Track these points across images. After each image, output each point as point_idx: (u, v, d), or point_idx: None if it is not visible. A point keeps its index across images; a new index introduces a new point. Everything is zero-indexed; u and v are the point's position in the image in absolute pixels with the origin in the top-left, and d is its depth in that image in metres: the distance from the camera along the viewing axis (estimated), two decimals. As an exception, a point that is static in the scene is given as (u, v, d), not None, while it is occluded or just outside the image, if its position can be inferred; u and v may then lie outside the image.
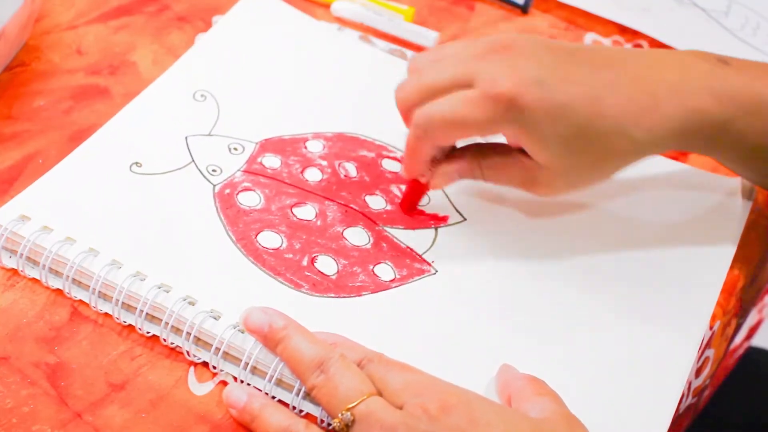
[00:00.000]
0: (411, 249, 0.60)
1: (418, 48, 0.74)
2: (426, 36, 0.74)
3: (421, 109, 0.56)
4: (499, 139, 0.57)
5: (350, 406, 0.48)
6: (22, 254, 0.55)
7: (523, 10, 0.79)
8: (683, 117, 0.55)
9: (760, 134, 0.57)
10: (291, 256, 0.58)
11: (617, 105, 0.55)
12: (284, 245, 0.58)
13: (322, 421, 0.51)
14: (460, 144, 0.59)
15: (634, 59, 0.57)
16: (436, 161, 0.58)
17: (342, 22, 0.75)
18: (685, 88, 0.55)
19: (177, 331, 0.53)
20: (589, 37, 0.78)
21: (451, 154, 0.59)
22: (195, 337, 0.53)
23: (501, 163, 0.58)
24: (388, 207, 0.62)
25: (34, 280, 0.55)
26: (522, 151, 0.56)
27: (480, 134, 0.56)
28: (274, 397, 0.52)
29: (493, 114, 0.54)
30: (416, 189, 0.61)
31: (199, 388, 0.52)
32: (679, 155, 0.69)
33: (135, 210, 0.58)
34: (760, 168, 0.60)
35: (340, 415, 0.48)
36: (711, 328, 0.60)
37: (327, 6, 0.76)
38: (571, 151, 0.55)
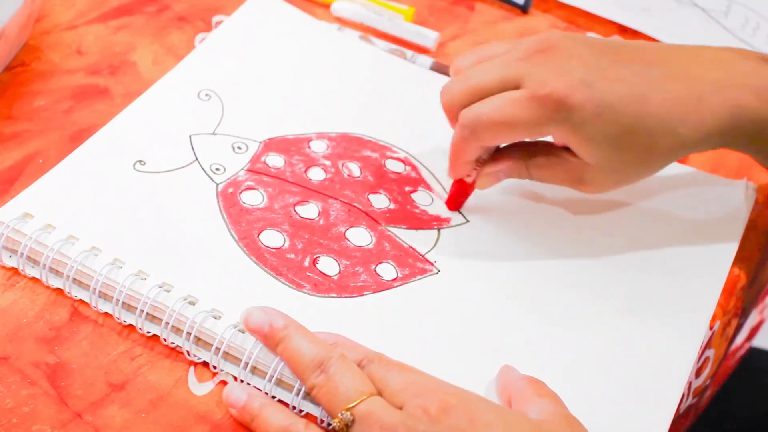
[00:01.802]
0: (413, 249, 0.59)
1: (418, 48, 0.74)
2: (426, 36, 0.74)
3: (469, 110, 0.56)
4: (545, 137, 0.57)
5: (350, 405, 0.48)
6: (22, 253, 0.55)
7: (523, 10, 0.79)
8: (728, 114, 0.56)
9: None
10: (293, 256, 0.57)
11: (663, 103, 0.55)
12: (286, 245, 0.58)
13: (322, 421, 0.51)
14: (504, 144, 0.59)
15: (678, 56, 0.57)
16: (481, 161, 0.58)
17: (342, 22, 0.75)
18: (729, 86, 0.56)
19: (177, 330, 0.53)
20: (590, 38, 0.78)
21: (497, 154, 0.59)
22: (195, 336, 0.53)
23: (547, 163, 0.58)
24: (392, 206, 0.62)
25: (34, 279, 0.55)
26: (568, 150, 0.57)
27: (528, 136, 0.57)
28: (274, 397, 0.52)
29: (541, 115, 0.54)
30: (462, 189, 0.61)
31: (199, 388, 0.52)
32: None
33: (138, 208, 0.58)
34: None
35: (339, 414, 0.48)
36: (711, 328, 0.60)
37: (327, 6, 0.76)
38: (619, 150, 0.56)
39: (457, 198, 0.62)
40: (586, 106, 0.54)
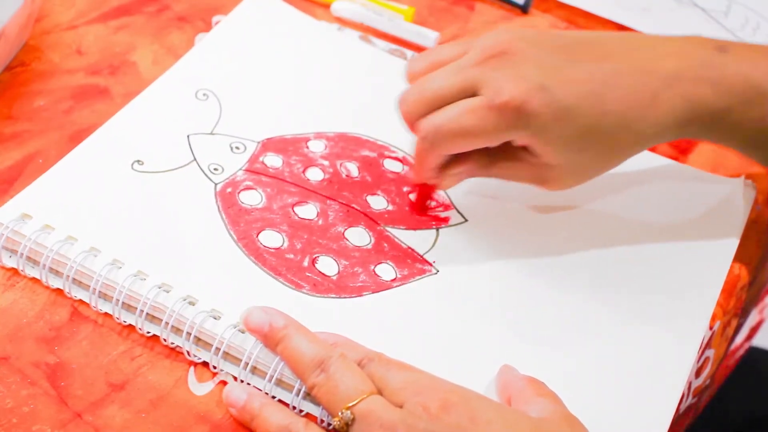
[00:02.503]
0: (412, 249, 0.60)
1: (418, 48, 0.74)
2: (426, 36, 0.74)
3: (428, 121, 0.56)
4: None
5: (350, 404, 0.48)
6: (22, 254, 0.55)
7: (523, 10, 0.79)
8: (683, 108, 0.56)
9: (757, 122, 0.57)
10: (292, 256, 0.57)
11: (620, 100, 0.55)
12: (285, 245, 0.58)
13: (322, 421, 0.51)
14: None
15: (633, 48, 0.57)
16: (444, 164, 0.58)
17: (342, 22, 0.75)
18: (684, 78, 0.56)
19: (177, 331, 0.53)
20: (590, 37, 0.78)
21: (458, 156, 0.59)
22: (195, 337, 0.53)
23: (509, 164, 0.58)
24: (390, 207, 0.62)
25: (34, 279, 0.55)
26: (529, 151, 0.57)
27: (488, 143, 0.56)
28: (274, 397, 0.52)
29: (500, 123, 0.54)
30: (426, 191, 0.62)
31: (199, 388, 0.52)
32: (679, 155, 0.69)
33: (136, 208, 0.58)
34: (760, 153, 0.60)
35: (340, 413, 0.48)
36: (711, 328, 0.60)
37: (327, 6, 0.76)
38: (579, 150, 0.56)
39: (422, 201, 0.62)
40: (544, 111, 0.54)
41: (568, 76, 0.55)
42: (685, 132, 0.57)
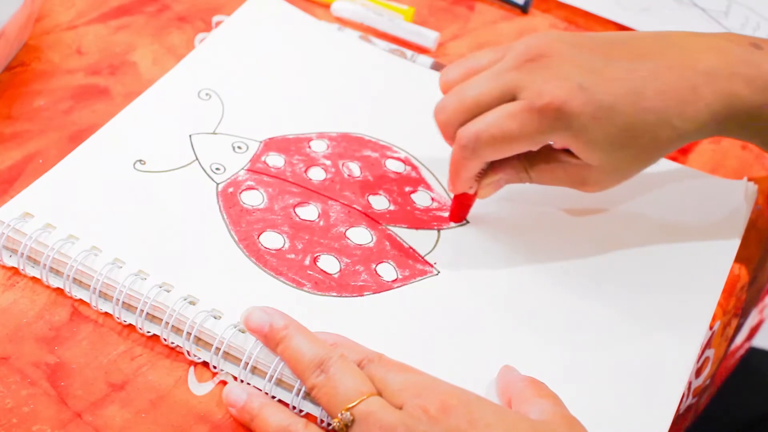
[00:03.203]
0: (413, 249, 0.59)
1: (418, 48, 0.74)
2: (426, 36, 0.74)
3: (467, 129, 0.56)
4: None
5: (350, 406, 0.48)
6: (23, 253, 0.55)
7: (523, 10, 0.79)
8: (721, 104, 0.56)
9: None
10: (293, 256, 0.57)
11: (658, 97, 0.55)
12: (286, 246, 0.58)
13: (322, 421, 0.51)
14: None
15: (669, 45, 0.57)
16: (481, 173, 0.58)
17: (342, 22, 0.75)
18: (722, 75, 0.56)
19: (177, 330, 0.53)
20: (590, 38, 0.78)
21: (496, 163, 0.58)
22: (195, 336, 0.53)
23: (548, 167, 0.58)
24: (392, 207, 0.62)
25: (35, 279, 0.55)
26: (568, 152, 0.57)
27: (529, 147, 0.56)
28: (274, 397, 0.52)
29: (541, 125, 0.54)
30: (464, 201, 0.61)
31: (199, 388, 0.52)
32: (679, 156, 0.69)
33: (138, 208, 0.58)
34: None
35: (339, 414, 0.48)
36: (711, 328, 0.60)
37: (327, 6, 0.76)
38: (621, 148, 0.56)
39: (461, 210, 0.61)
40: (584, 111, 0.54)
41: (607, 76, 0.55)
42: (723, 128, 0.57)
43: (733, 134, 0.58)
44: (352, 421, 0.48)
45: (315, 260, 0.57)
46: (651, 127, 0.55)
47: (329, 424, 0.50)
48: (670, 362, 0.56)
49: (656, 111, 0.55)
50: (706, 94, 0.55)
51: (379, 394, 0.49)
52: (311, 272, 0.57)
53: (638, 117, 0.55)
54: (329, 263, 0.57)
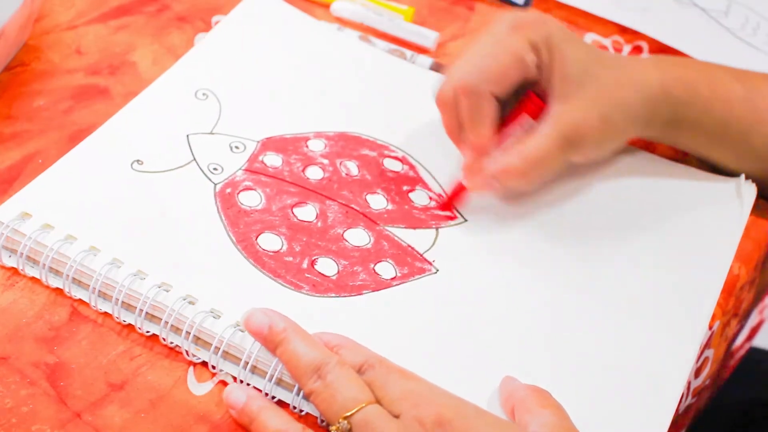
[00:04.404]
0: (412, 247, 0.59)
1: (417, 48, 0.74)
2: (426, 36, 0.74)
3: (454, 72, 0.60)
4: None
5: (347, 414, 0.48)
6: (22, 253, 0.55)
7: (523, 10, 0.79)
8: (658, 83, 0.63)
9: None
10: (291, 258, 0.57)
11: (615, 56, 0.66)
12: (284, 248, 0.58)
13: (323, 421, 0.51)
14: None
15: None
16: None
17: (342, 22, 0.75)
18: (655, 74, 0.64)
19: (177, 330, 0.53)
20: (589, 38, 0.78)
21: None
22: (195, 336, 0.53)
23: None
24: (389, 206, 0.62)
25: (34, 279, 0.55)
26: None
27: (517, 53, 0.60)
28: (273, 398, 0.52)
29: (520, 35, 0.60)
30: (459, 192, 0.62)
31: (199, 388, 0.52)
32: (680, 156, 0.69)
33: (136, 208, 0.58)
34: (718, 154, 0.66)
35: (337, 423, 0.48)
36: (710, 328, 0.60)
37: (327, 6, 0.76)
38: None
39: (454, 200, 0.62)
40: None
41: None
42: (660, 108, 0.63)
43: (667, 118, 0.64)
44: (350, 430, 0.48)
45: (313, 263, 0.57)
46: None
47: (329, 424, 0.50)
48: (670, 362, 0.56)
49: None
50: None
51: (378, 401, 0.49)
52: (309, 275, 0.57)
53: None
54: (327, 266, 0.57)
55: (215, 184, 0.61)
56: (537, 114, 0.61)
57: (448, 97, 0.60)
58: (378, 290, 0.57)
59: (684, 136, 0.65)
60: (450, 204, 0.62)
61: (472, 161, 0.61)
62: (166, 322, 0.53)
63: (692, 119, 0.64)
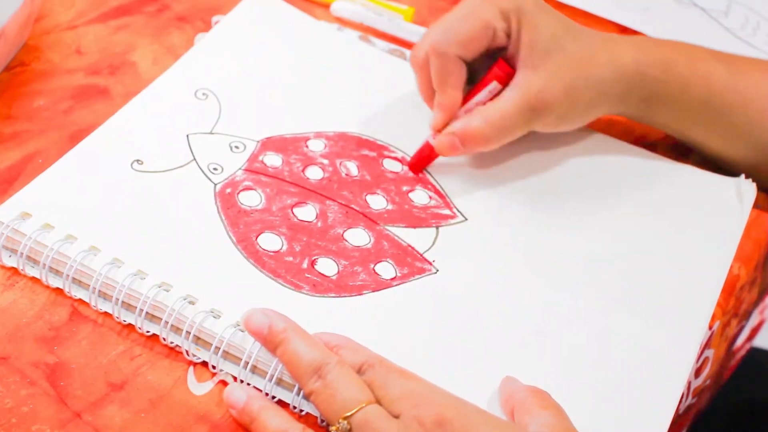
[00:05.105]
0: (412, 247, 0.59)
1: (418, 48, 0.74)
2: (426, 36, 0.74)
3: (427, 35, 0.63)
4: None
5: (347, 414, 0.48)
6: (22, 253, 0.55)
7: (523, 10, 0.79)
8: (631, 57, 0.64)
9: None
10: (291, 258, 0.57)
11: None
12: (284, 248, 0.58)
13: (323, 421, 0.51)
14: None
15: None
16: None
17: (342, 22, 0.75)
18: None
19: (177, 330, 0.53)
20: (590, 37, 0.78)
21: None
22: (195, 336, 0.53)
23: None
24: (389, 206, 0.62)
25: (34, 279, 0.55)
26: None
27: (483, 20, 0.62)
28: (274, 397, 0.52)
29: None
30: (426, 154, 0.64)
31: (199, 387, 0.52)
32: (680, 156, 0.69)
33: (136, 208, 0.58)
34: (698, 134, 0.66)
35: (337, 424, 0.48)
36: (710, 328, 0.60)
37: (327, 6, 0.76)
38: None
39: (421, 162, 0.64)
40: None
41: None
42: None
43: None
44: (350, 430, 0.48)
45: (313, 263, 0.57)
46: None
47: (329, 424, 0.50)
48: (670, 362, 0.56)
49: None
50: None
51: (378, 400, 0.49)
52: (309, 275, 0.57)
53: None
54: (327, 266, 0.57)
55: (215, 184, 0.61)
56: (505, 81, 0.62)
57: (420, 59, 0.63)
58: (378, 290, 0.57)
59: (661, 114, 0.65)
60: (417, 165, 0.64)
61: (439, 121, 0.62)
62: (167, 322, 0.53)
63: (669, 97, 0.64)
